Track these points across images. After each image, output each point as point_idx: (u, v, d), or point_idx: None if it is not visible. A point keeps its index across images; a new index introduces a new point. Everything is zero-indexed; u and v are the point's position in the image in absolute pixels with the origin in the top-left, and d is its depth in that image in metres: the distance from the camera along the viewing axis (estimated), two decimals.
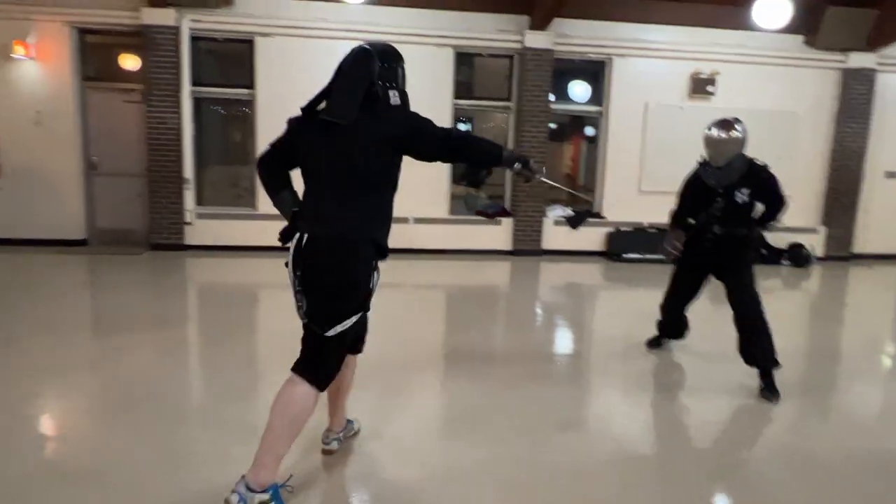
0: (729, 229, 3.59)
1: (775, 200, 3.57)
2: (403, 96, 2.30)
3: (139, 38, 7.14)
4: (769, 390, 3.43)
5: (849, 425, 3.33)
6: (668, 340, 4.28)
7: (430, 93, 7.68)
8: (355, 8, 7.26)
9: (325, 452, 2.60)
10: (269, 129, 7.43)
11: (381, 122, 2.20)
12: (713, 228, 3.61)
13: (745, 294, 3.54)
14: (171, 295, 5.95)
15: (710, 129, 3.56)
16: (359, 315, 2.23)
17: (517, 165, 2.34)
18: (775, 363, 3.47)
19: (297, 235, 2.19)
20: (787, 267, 8.16)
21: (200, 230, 7.51)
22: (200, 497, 2.27)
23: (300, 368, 2.19)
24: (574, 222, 8.14)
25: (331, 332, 2.14)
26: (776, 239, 8.26)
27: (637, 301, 6.24)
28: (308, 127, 2.25)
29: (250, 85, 7.48)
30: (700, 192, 3.67)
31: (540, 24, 7.51)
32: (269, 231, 7.70)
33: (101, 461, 2.55)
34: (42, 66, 7.17)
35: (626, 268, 7.78)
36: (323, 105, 2.24)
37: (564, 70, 8.12)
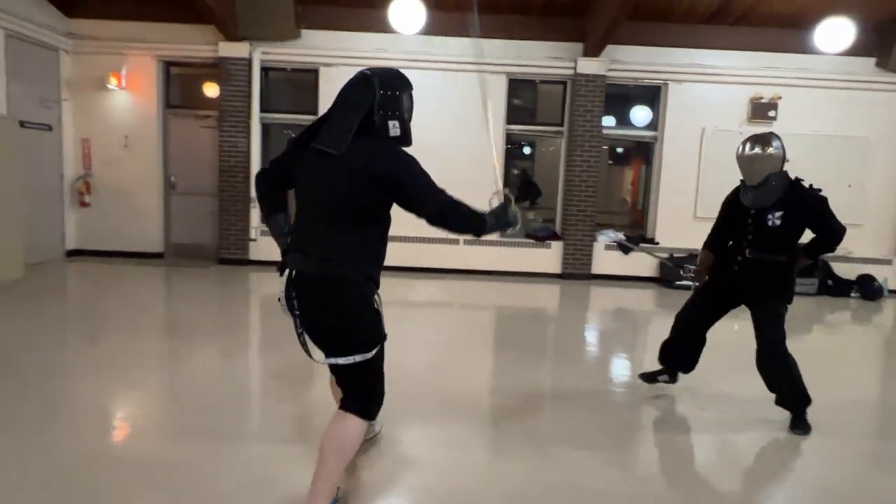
0: (760, 254, 3.32)
1: (826, 228, 3.24)
2: (404, 127, 2.19)
3: (216, 69, 7.80)
4: (797, 426, 3.31)
5: None
6: (667, 378, 3.80)
7: (482, 119, 7.91)
8: (412, 38, 7.62)
9: None
10: None
11: (371, 156, 2.08)
12: (744, 252, 3.37)
13: (768, 329, 3.28)
14: (235, 305, 6.42)
15: (742, 145, 3.32)
16: (377, 348, 2.16)
17: (498, 230, 2.32)
18: (799, 405, 3.32)
19: (287, 270, 2.15)
20: (856, 299, 7.73)
21: (263, 247, 8.00)
22: (253, 480, 2.54)
23: (344, 405, 2.18)
24: (626, 247, 8.07)
25: (353, 360, 2.10)
26: (845, 270, 7.86)
27: None
28: (305, 153, 2.18)
29: (314, 111, 7.97)
30: (737, 212, 3.42)
31: (593, 51, 7.59)
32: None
33: (168, 448, 2.87)
34: (132, 95, 7.94)
35: (679, 295, 7.60)
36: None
37: (617, 95, 8.14)
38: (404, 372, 3.78)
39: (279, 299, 2.17)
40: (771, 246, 3.30)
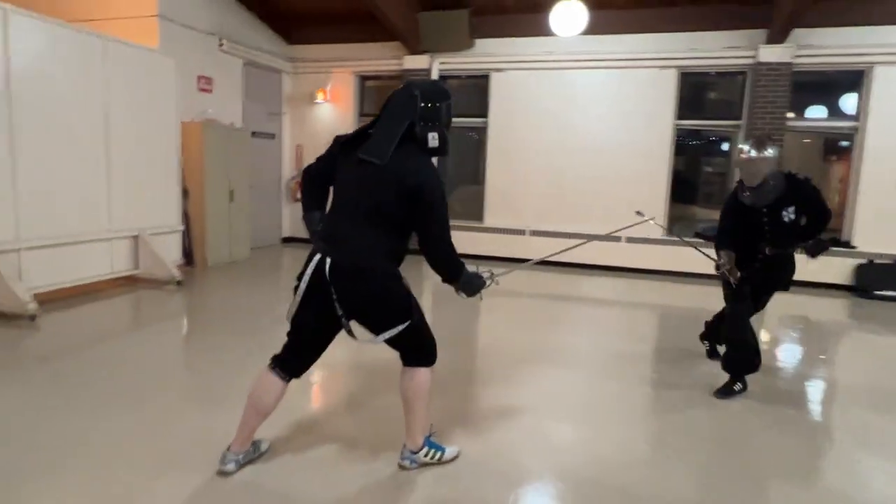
0: (779, 250, 3.62)
1: (820, 213, 3.56)
2: (443, 137, 2.33)
3: (400, 80, 8.79)
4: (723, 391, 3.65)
5: None
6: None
7: (649, 115, 7.81)
8: (577, 38, 7.79)
9: (220, 473, 2.48)
10: (498, 154, 8.42)
11: (407, 173, 2.26)
12: (764, 249, 3.64)
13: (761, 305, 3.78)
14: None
15: (742, 149, 3.50)
16: (407, 323, 2.37)
17: (462, 293, 2.46)
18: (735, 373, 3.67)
19: (318, 256, 2.32)
20: None
21: None
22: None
23: (407, 362, 2.51)
24: (813, 250, 7.31)
25: (398, 330, 2.36)
26: None
27: (893, 347, 5.30)
28: (347, 157, 2.36)
29: (485, 114, 8.56)
30: (740, 212, 3.63)
31: (777, 36, 7.04)
32: (495, 242, 8.63)
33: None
34: (334, 106, 9.31)
35: (879, 306, 6.71)
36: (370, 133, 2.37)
37: (806, 83, 7.40)
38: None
39: (298, 278, 2.37)
40: (788, 239, 3.60)
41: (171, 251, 6.42)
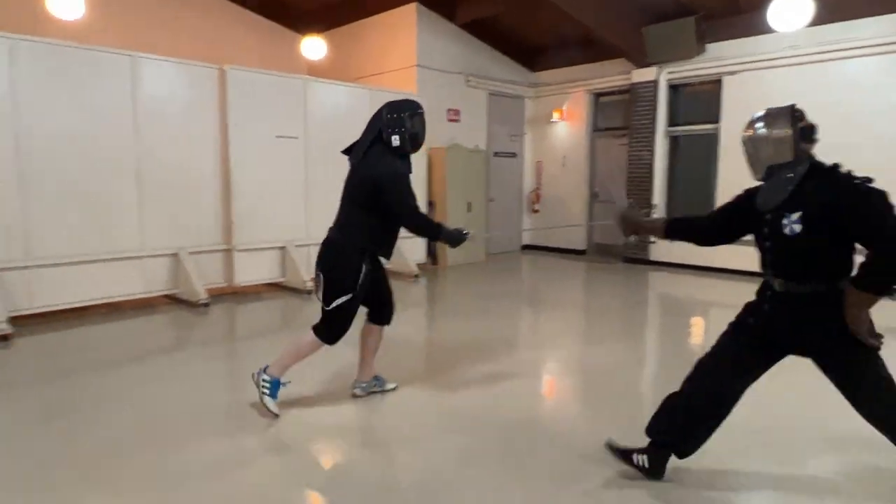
0: (791, 285, 2.24)
1: (877, 236, 2.01)
2: (403, 139, 3.05)
3: (628, 94, 9.05)
4: None
5: None
6: (643, 463, 2.51)
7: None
8: (825, 28, 6.99)
9: (353, 396, 3.47)
10: (731, 159, 8.03)
11: (371, 168, 3.05)
12: (772, 283, 2.32)
13: (875, 403, 2.19)
14: (635, 296, 7.56)
15: (748, 124, 2.38)
16: (349, 296, 3.06)
17: (450, 243, 3.16)
18: None
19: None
20: None
21: (663, 248, 8.75)
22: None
23: (314, 328, 3.19)
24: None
25: (330, 307, 3.08)
26: None
27: None
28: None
29: (716, 119, 8.24)
30: (752, 213, 2.37)
31: None
32: (722, 255, 8.35)
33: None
34: (569, 124, 10.04)
35: None
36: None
37: None
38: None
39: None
40: (800, 267, 2.21)
41: (415, 253, 8.04)
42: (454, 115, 9.28)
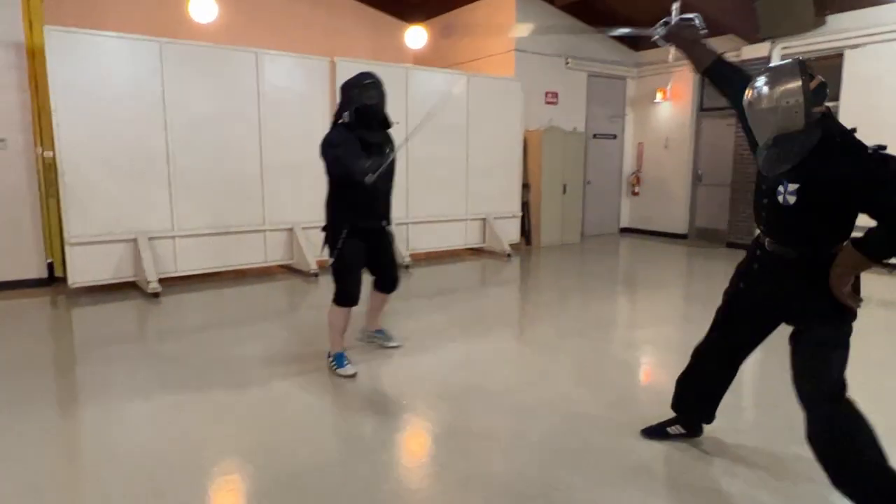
0: (778, 247, 2.22)
1: (887, 208, 1.91)
2: (353, 114, 3.32)
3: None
4: None
5: None
6: (678, 428, 2.75)
7: None
8: None
9: (357, 340, 4.06)
10: (881, 135, 7.49)
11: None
12: (763, 240, 2.31)
13: (814, 384, 2.12)
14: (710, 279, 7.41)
15: (749, 86, 2.18)
16: (332, 259, 3.49)
17: (369, 176, 3.15)
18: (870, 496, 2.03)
19: None
20: None
21: None
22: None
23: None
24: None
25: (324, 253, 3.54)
26: None
27: None
28: None
29: (836, 96, 7.69)
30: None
31: None
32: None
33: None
34: (672, 104, 9.76)
35: None
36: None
37: None
38: None
39: None
40: (791, 234, 2.17)
41: (509, 232, 8.31)
42: (552, 98, 9.35)
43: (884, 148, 1.97)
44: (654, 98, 9.87)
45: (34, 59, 5.68)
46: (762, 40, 8.18)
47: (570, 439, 2.83)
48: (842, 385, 2.08)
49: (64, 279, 5.86)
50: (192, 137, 5.93)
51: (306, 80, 6.62)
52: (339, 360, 3.62)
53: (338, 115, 3.44)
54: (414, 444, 2.93)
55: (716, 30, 8.53)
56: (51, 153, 5.79)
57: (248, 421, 3.04)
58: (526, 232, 8.89)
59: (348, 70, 6.77)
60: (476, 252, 8.31)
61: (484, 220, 8.15)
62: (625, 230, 10.64)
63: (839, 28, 7.56)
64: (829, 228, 2.10)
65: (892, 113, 7.09)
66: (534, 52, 9.01)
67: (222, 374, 3.65)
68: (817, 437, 2.08)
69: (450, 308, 5.44)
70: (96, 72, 5.41)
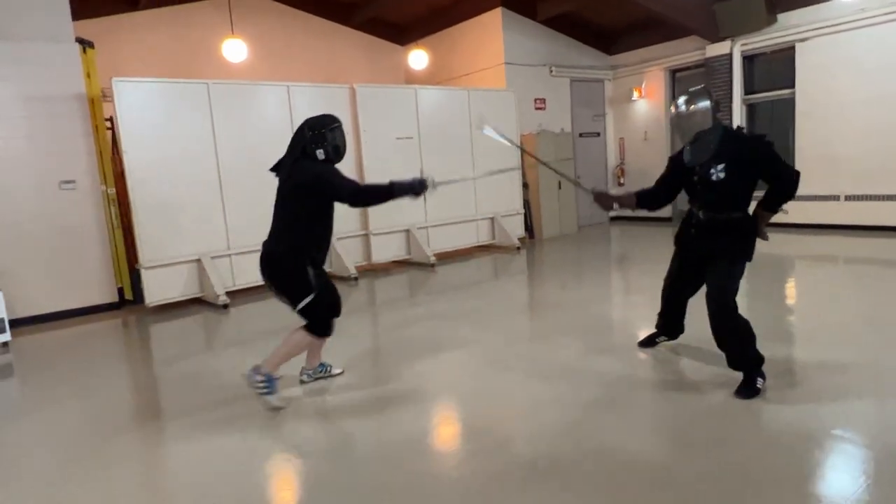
0: (712, 214, 3.24)
1: (776, 174, 3.09)
2: (326, 151, 3.20)
3: (704, 68, 9.67)
4: (743, 390, 3.14)
5: None
6: (662, 339, 4.03)
7: None
8: None
9: (301, 382, 3.68)
10: (808, 121, 8.53)
11: (297, 174, 3.19)
12: (698, 214, 3.34)
13: (714, 288, 3.21)
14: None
15: (675, 103, 3.31)
16: (311, 296, 3.21)
17: (411, 194, 3.15)
18: (749, 367, 3.18)
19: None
20: None
21: None
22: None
23: (305, 326, 3.34)
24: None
25: (301, 307, 3.23)
26: None
27: None
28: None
29: (791, 85, 8.74)
30: (682, 171, 3.39)
31: None
32: (806, 210, 8.77)
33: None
34: (647, 101, 10.76)
35: None
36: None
37: None
38: None
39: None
40: (721, 202, 3.20)
41: (515, 228, 9.17)
42: (541, 104, 10.28)
43: (766, 135, 3.21)
44: (631, 96, 10.86)
45: (93, 106, 6.37)
46: (723, 39, 9.20)
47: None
48: (734, 298, 3.18)
49: (133, 301, 6.55)
50: (238, 165, 6.66)
51: (330, 106, 7.28)
52: (273, 384, 3.32)
53: (303, 150, 3.29)
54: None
55: (683, 32, 9.59)
56: (112, 189, 6.50)
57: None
58: (529, 227, 9.76)
59: (366, 94, 7.66)
60: (487, 248, 9.15)
61: (492, 218, 9.00)
62: (615, 219, 11.59)
63: (789, 24, 8.61)
64: (743, 195, 3.18)
65: (843, 95, 8.14)
66: (521, 63, 9.92)
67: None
68: (718, 330, 3.20)
69: (489, 294, 6.27)
70: (156, 115, 6.14)
